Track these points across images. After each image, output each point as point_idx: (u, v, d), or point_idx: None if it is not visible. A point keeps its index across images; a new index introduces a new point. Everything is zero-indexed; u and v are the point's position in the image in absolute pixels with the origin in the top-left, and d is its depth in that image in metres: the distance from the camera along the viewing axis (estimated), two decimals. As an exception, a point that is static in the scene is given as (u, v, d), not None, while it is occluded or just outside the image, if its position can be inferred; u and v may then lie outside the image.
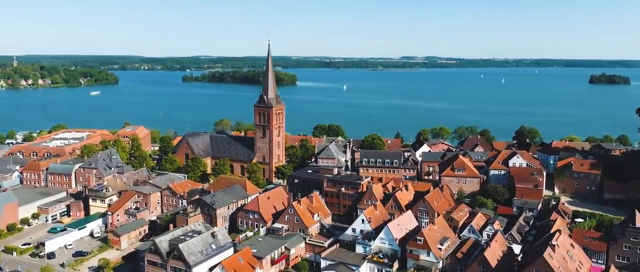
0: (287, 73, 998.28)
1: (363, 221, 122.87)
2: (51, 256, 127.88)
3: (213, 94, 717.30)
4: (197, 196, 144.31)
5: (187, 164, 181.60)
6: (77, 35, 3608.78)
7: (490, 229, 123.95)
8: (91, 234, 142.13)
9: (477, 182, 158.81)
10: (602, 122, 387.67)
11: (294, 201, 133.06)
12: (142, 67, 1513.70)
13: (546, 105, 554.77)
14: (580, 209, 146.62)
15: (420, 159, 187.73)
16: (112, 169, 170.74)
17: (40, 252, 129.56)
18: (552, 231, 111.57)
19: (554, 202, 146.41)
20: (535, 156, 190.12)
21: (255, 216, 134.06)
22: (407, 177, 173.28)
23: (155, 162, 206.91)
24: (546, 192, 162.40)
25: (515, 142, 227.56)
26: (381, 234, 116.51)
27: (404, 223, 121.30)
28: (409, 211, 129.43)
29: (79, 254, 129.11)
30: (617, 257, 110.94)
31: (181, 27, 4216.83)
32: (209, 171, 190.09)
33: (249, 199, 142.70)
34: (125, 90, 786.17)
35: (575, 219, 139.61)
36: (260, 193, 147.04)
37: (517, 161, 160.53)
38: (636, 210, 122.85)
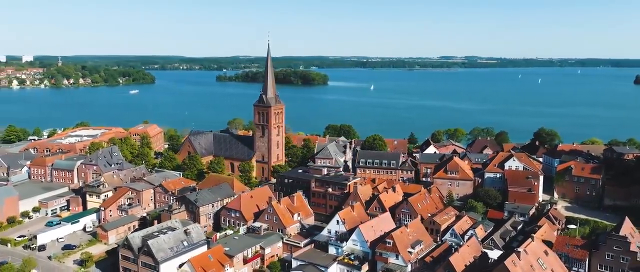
0: (319, 73, 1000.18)
1: (338, 221, 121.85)
2: (42, 248, 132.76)
3: (243, 93, 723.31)
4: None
5: (184, 162, 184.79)
6: (121, 37, 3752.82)
7: (472, 234, 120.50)
8: (84, 229, 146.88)
9: (471, 185, 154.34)
10: (634, 124, 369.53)
11: (274, 201, 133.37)
12: (181, 67, 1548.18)
13: (579, 107, 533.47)
14: (575, 215, 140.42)
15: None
16: (112, 165, 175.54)
17: (32, 244, 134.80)
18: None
19: (549, 207, 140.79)
20: (541, 159, 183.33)
21: (237, 215, 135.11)
22: (405, 178, 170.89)
23: (159, 160, 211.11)
24: (545, 197, 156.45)
25: (525, 144, 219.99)
26: (353, 236, 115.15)
27: (379, 225, 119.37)
28: (387, 213, 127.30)
29: (67, 247, 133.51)
30: (600, 266, 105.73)
31: (220, 28, 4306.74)
32: (206, 169, 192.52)
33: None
34: (160, 89, 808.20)
35: (569, 225, 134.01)
36: (244, 192, 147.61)
37: (513, 164, 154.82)
38: (626, 217, 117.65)
